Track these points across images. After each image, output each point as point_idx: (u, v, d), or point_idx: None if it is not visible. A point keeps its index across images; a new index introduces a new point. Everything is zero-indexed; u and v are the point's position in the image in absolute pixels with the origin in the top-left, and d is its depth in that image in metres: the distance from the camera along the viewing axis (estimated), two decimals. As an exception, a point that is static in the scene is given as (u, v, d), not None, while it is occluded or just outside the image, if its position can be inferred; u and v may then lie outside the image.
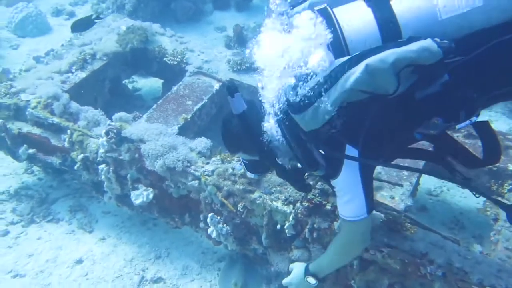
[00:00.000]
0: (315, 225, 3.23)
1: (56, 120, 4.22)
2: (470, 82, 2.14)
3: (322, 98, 2.07)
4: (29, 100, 4.43)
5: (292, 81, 2.14)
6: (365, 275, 3.20)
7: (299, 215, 3.26)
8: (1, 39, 7.46)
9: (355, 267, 3.19)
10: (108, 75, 5.17)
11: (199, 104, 4.60)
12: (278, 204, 3.36)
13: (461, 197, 4.67)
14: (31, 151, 4.47)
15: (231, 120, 2.46)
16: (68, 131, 4.15)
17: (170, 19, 7.74)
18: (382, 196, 3.64)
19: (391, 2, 2.11)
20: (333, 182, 2.44)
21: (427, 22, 2.07)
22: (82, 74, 4.87)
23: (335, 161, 2.34)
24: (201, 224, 3.82)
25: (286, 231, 3.34)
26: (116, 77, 5.32)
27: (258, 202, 3.41)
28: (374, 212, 2.81)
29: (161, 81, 5.73)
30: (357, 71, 1.98)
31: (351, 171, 2.32)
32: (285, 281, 2.98)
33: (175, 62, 5.11)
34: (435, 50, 1.94)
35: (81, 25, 5.54)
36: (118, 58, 5.18)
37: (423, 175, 3.88)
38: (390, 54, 1.95)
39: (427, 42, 1.96)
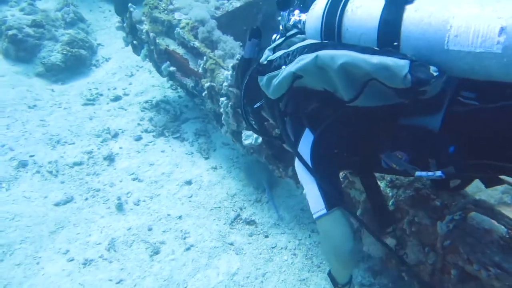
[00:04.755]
0: (416, 219, 2.83)
1: (196, 44, 4.31)
2: (462, 135, 1.72)
3: (275, 72, 1.92)
4: (180, 20, 4.59)
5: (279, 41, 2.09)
6: (464, 289, 2.78)
7: (400, 203, 2.88)
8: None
9: (452, 276, 2.75)
10: (263, 9, 5.06)
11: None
12: (382, 184, 2.99)
13: None
14: (171, 68, 4.68)
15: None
16: (204, 57, 4.21)
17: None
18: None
19: (408, 6, 1.65)
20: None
21: (431, 46, 1.59)
22: (237, 4, 4.87)
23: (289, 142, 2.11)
24: (302, 182, 3.65)
25: (383, 215, 3.02)
26: (270, 12, 5.18)
27: (361, 176, 3.10)
28: (493, 222, 2.40)
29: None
30: (308, 58, 1.77)
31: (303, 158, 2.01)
32: None
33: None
34: (400, 74, 1.54)
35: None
36: (275, -7, 5.01)
37: None
38: (343, 55, 1.66)
39: (396, 62, 1.56)
